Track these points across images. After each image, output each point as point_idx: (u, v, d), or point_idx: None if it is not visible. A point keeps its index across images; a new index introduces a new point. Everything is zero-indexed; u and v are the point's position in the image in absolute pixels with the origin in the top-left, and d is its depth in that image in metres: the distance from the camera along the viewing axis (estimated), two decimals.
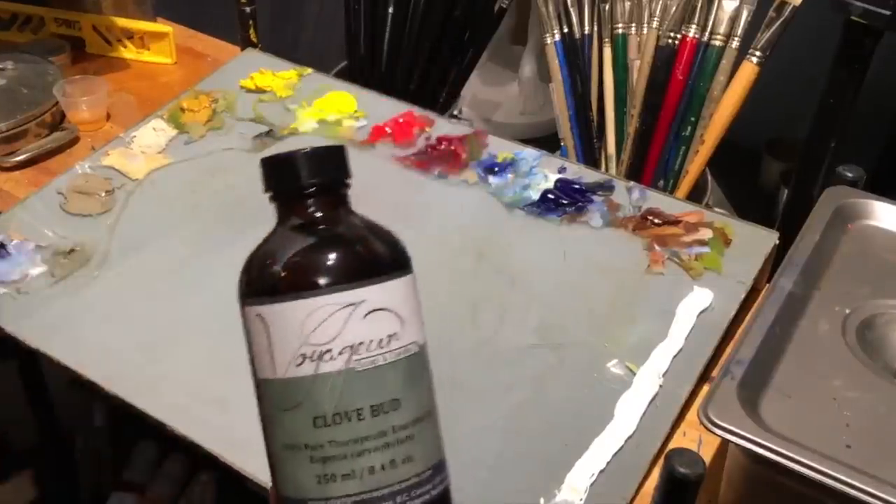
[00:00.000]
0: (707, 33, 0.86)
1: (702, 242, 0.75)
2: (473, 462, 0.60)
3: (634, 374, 0.65)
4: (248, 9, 1.00)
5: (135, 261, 0.77)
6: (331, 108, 0.91)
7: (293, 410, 0.37)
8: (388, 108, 0.91)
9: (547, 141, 1.00)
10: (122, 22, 1.05)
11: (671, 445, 0.62)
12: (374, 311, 0.37)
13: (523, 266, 0.75)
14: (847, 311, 0.61)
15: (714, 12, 0.85)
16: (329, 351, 0.36)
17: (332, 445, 0.37)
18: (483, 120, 1.35)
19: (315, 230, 0.39)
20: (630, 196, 0.80)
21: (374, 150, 0.87)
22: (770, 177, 1.50)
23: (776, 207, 1.42)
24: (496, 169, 0.83)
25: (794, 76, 1.18)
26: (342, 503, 0.37)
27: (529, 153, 0.85)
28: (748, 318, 0.62)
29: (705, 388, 0.63)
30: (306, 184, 0.39)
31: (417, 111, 0.90)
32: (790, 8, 0.82)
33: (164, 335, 0.70)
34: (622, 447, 0.61)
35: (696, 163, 0.89)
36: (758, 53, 0.84)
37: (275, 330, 0.37)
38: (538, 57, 1.32)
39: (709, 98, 0.86)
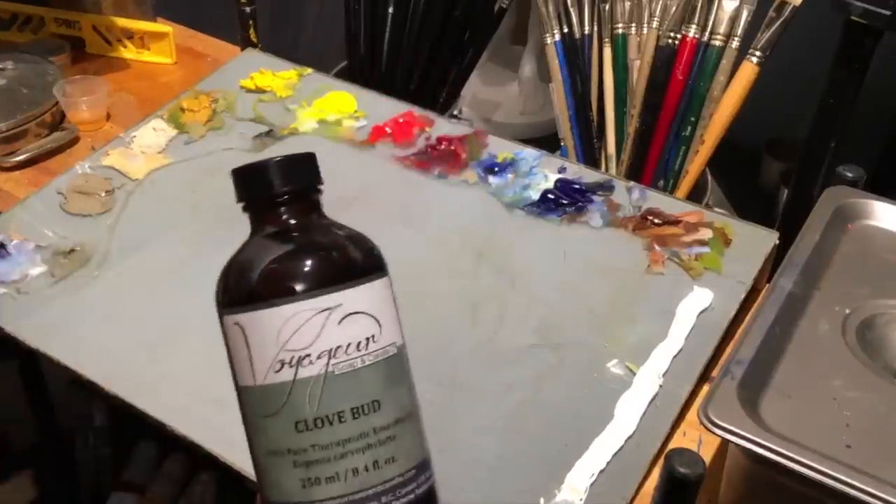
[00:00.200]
0: (707, 33, 0.86)
1: (702, 242, 0.75)
2: (473, 462, 0.60)
3: (634, 374, 0.65)
4: (248, 9, 1.00)
5: (135, 261, 0.77)
6: (331, 108, 0.91)
7: (274, 416, 0.37)
8: (388, 108, 0.91)
9: (547, 141, 1.00)
10: (122, 22, 1.05)
11: (671, 445, 0.62)
12: (351, 314, 0.37)
13: (523, 266, 0.75)
14: (847, 311, 0.61)
15: (714, 12, 0.85)
16: (307, 356, 0.37)
17: (315, 449, 0.37)
18: (483, 120, 1.35)
19: (289, 237, 0.39)
20: (630, 196, 0.80)
21: (374, 150, 0.87)
22: (770, 177, 1.50)
23: (776, 207, 1.42)
24: (496, 169, 0.83)
25: (794, 76, 1.18)
26: None
27: (529, 153, 0.85)
28: (748, 318, 0.62)
29: (705, 388, 0.63)
30: (279, 192, 0.40)
31: (417, 111, 0.90)
32: (790, 8, 0.82)
33: (164, 335, 0.70)
34: (622, 447, 0.61)
35: (696, 163, 0.89)
36: (758, 53, 0.84)
37: (253, 337, 0.37)
38: (538, 57, 1.32)
39: (709, 98, 0.86)
